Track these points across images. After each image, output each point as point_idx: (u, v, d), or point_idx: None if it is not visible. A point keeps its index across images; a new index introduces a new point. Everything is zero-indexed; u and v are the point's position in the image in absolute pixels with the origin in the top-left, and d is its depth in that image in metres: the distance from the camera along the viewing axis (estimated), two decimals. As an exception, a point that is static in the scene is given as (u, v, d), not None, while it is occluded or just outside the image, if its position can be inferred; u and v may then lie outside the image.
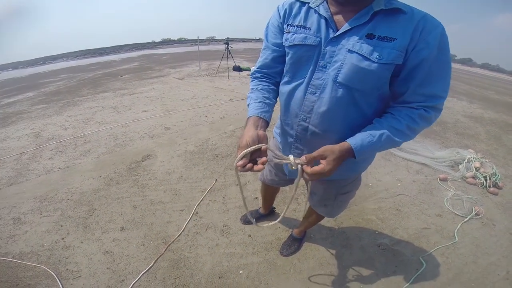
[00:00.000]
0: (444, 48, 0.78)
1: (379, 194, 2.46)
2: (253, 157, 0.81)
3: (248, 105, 0.98)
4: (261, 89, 1.01)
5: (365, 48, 0.78)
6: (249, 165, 0.78)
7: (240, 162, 0.78)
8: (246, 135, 0.82)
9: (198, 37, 11.90)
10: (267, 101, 0.98)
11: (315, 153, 0.82)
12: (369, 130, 0.85)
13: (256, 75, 1.07)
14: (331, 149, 0.81)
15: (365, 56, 0.78)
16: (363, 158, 1.07)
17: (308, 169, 0.81)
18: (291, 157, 0.81)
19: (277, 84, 1.06)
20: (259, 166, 0.78)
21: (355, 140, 0.83)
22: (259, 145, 0.79)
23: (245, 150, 0.78)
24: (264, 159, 0.79)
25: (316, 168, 0.80)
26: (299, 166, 0.81)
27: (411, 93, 0.82)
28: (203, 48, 17.70)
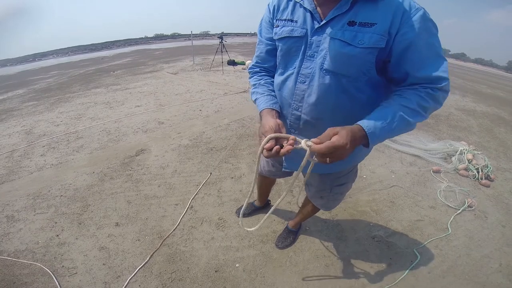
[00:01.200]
0: (430, 30, 0.78)
1: (373, 185, 2.49)
2: (276, 144, 0.79)
3: (255, 100, 1.04)
4: (264, 83, 1.08)
5: (347, 34, 0.81)
6: (277, 147, 0.76)
7: (268, 145, 0.76)
8: (268, 122, 0.85)
9: (191, 32, 11.78)
10: (273, 93, 1.05)
11: (322, 135, 0.74)
12: (378, 112, 0.80)
13: (255, 69, 1.14)
14: (340, 127, 0.74)
15: (347, 42, 0.81)
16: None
17: (318, 146, 0.72)
18: (302, 141, 0.76)
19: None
20: (288, 147, 0.75)
21: (367, 122, 0.77)
22: (288, 135, 0.77)
23: (273, 134, 0.77)
24: (291, 140, 0.75)
25: (328, 144, 0.71)
26: (308, 148, 0.73)
27: (412, 78, 0.82)
28: (197, 43, 17.52)
